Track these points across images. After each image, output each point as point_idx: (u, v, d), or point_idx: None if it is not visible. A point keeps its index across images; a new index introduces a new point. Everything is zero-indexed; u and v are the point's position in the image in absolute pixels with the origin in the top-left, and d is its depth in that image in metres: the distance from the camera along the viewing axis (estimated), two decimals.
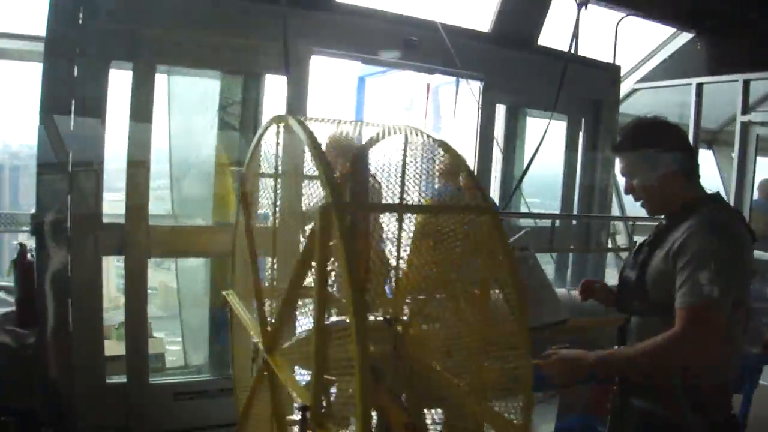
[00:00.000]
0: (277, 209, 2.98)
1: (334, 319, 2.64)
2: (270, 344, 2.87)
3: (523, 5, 5.79)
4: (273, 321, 2.89)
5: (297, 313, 2.86)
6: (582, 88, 6.06)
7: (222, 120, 4.92)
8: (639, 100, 7.53)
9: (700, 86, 6.88)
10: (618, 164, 2.85)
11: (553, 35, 6.13)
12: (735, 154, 6.75)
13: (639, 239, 3.03)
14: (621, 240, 7.63)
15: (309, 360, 2.22)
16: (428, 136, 2.71)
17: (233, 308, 3.58)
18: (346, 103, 7.22)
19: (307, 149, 2.47)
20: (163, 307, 8.43)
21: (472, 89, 5.98)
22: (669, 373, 2.50)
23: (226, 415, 3.94)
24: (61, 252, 4.24)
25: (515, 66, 5.33)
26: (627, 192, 2.83)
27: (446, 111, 7.01)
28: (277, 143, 2.87)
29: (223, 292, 3.84)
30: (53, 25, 4.07)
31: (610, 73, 6.41)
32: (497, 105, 5.99)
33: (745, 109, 6.60)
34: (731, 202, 6.38)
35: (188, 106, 4.92)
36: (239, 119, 4.93)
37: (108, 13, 4.14)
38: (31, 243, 4.39)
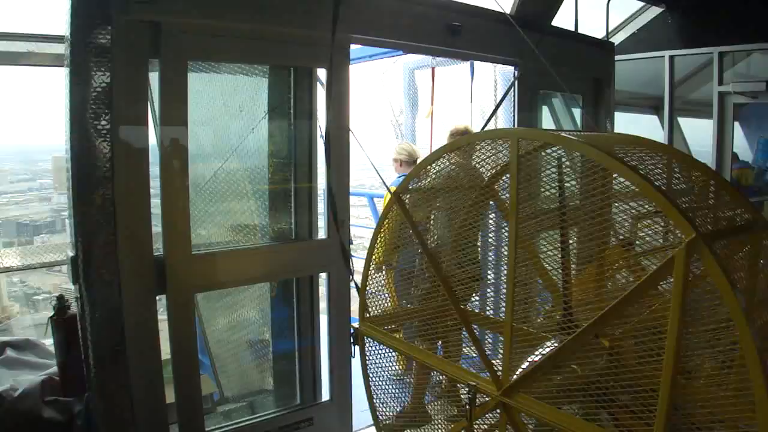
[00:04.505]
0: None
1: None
2: (514, 386, 2.56)
3: None
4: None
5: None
6: (584, 66, 5.94)
7: (273, 121, 4.30)
8: None
9: (672, 58, 7.11)
10: None
11: None
12: (714, 123, 7.04)
13: None
14: None
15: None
16: None
17: (394, 346, 3.18)
18: None
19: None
20: None
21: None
22: None
23: None
24: (111, 298, 3.49)
25: (540, 49, 5.06)
26: None
27: (424, 95, 6.74)
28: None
29: (356, 326, 3.38)
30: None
31: (605, 50, 6.32)
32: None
33: (721, 80, 6.87)
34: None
35: (230, 105, 4.23)
36: (292, 120, 4.34)
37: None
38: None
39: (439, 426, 3.32)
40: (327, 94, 3.86)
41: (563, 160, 2.59)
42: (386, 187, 3.76)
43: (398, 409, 3.53)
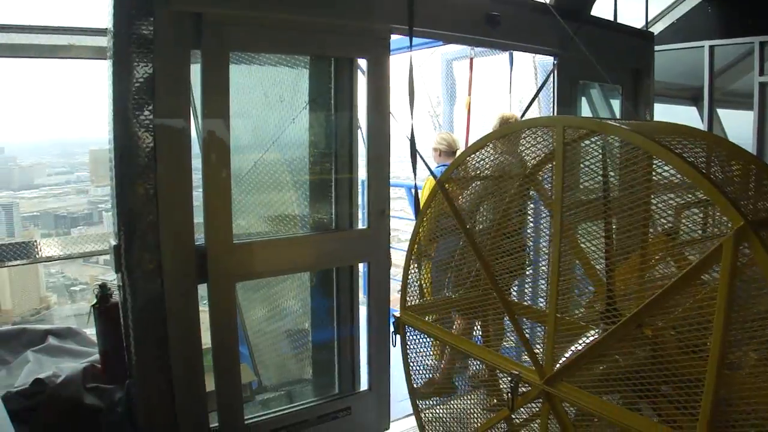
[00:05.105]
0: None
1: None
2: (557, 375, 2.53)
3: None
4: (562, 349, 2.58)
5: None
6: (623, 57, 5.87)
7: (314, 112, 4.32)
8: None
9: (712, 48, 7.03)
10: None
11: None
12: (754, 114, 6.94)
13: None
14: None
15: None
16: None
17: (435, 335, 3.18)
18: None
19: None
20: None
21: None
22: None
23: None
24: (153, 287, 3.53)
25: (580, 39, 5.03)
26: None
27: (462, 86, 6.72)
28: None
29: (396, 314, 3.39)
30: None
31: (645, 40, 6.25)
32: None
33: (762, 71, 6.78)
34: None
35: (271, 96, 4.25)
36: (333, 110, 4.35)
37: None
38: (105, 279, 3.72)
39: (478, 415, 3.31)
40: (409, 88, 3.86)
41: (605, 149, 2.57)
42: (433, 175, 3.76)
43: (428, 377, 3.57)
